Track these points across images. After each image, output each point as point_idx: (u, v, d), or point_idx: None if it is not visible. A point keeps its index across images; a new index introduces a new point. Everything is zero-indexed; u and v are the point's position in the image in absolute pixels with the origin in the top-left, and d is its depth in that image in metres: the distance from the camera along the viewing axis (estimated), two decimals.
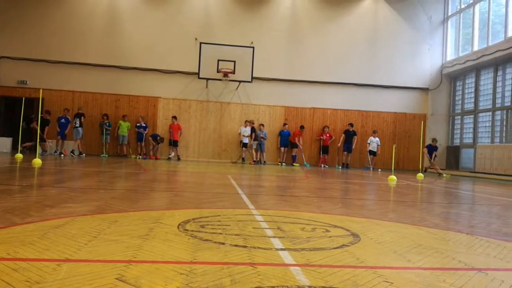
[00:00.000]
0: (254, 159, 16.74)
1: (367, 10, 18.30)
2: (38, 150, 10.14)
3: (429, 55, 18.43)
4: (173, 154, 16.31)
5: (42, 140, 14.21)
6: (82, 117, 15.44)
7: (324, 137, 17.20)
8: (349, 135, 17.15)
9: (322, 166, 16.93)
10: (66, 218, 3.24)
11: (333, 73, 17.82)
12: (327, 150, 17.30)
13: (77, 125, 15.27)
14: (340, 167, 17.02)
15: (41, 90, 10.58)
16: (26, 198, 4.38)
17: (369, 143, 16.89)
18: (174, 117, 16.45)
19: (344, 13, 18.13)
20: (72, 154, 15.18)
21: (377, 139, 16.91)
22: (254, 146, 16.70)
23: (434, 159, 15.46)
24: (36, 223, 3.00)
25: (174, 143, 16.31)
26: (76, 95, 16.53)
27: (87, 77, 16.67)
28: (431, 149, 15.61)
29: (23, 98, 11.51)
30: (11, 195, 4.52)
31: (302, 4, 18.00)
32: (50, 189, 5.29)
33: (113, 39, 16.87)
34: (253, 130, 16.54)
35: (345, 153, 17.14)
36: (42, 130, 13.94)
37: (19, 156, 10.59)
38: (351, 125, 17.26)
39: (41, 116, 13.92)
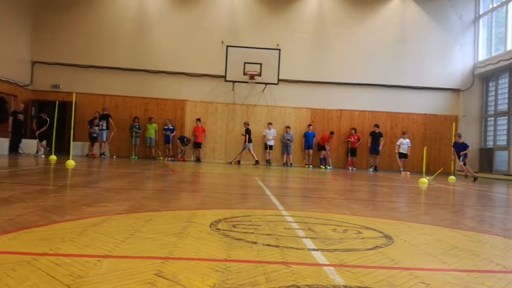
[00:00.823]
0: (238, 159, 16.41)
1: (395, 10, 18.04)
2: (71, 152, 10.44)
3: (460, 55, 17.98)
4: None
5: (39, 140, 14.48)
6: (110, 119, 15.78)
7: (352, 139, 17.00)
8: (375, 136, 16.87)
9: (350, 168, 16.74)
10: (103, 217, 3.34)
11: (360, 74, 17.63)
12: (355, 153, 17.10)
13: (104, 127, 15.61)
14: (372, 169, 16.71)
15: (74, 94, 10.90)
16: (62, 197, 4.53)
17: (399, 145, 16.38)
18: (198, 120, 16.64)
19: (371, 13, 17.93)
20: (104, 156, 15.57)
21: (407, 140, 16.42)
22: (247, 148, 16.32)
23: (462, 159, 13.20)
24: (74, 221, 3.10)
25: (197, 145, 16.51)
26: (107, 98, 16.97)
27: (117, 81, 17.10)
28: (458, 147, 13.25)
29: (57, 102, 11.90)
30: (49, 194, 4.69)
31: (327, 6, 17.90)
32: (85, 189, 5.46)
33: (142, 44, 17.24)
34: (247, 131, 16.27)
35: (373, 155, 16.88)
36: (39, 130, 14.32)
37: (53, 157, 10.95)
38: (377, 126, 16.99)
39: (39, 116, 14.32)
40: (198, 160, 16.47)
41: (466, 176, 13.79)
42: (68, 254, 2.18)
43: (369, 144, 17.07)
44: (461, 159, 12.57)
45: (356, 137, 17.04)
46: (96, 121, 15.55)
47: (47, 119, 14.58)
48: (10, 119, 14.39)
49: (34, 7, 16.78)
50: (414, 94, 17.81)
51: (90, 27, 17.10)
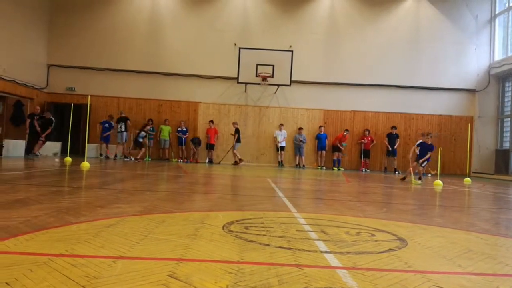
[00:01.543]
0: (236, 160, 16.31)
1: (408, 10, 17.87)
2: (86, 153, 10.58)
3: (475, 55, 17.71)
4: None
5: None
6: (128, 121, 16.02)
7: (365, 140, 16.86)
8: (392, 138, 16.67)
9: (364, 170, 16.62)
10: (117, 218, 3.39)
11: (374, 75, 17.50)
12: (368, 154, 16.96)
13: (122, 129, 15.85)
14: (391, 172, 16.41)
15: (89, 96, 11.06)
16: (77, 199, 4.60)
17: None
18: (211, 121, 16.71)
19: (384, 14, 17.79)
20: (121, 158, 15.79)
21: None
22: (236, 148, 16.29)
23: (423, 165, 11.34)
24: (89, 222, 3.15)
25: (210, 147, 16.57)
26: (121, 100, 17.15)
27: (130, 83, 17.27)
28: (425, 148, 11.38)
29: (72, 104, 12.08)
30: (64, 196, 4.76)
31: (340, 6, 17.82)
32: (99, 190, 5.53)
33: (155, 46, 17.39)
34: (237, 131, 16.25)
35: (390, 157, 16.62)
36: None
37: (68, 159, 11.11)
38: (394, 127, 16.81)
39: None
40: (210, 161, 16.54)
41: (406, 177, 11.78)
42: (83, 255, 2.22)
43: (385, 146, 16.81)
44: (423, 165, 11.14)
45: (369, 139, 16.91)
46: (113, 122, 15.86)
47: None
48: (28, 121, 14.64)
49: (49, 11, 17.07)
50: (429, 94, 17.61)
51: (104, 31, 17.31)
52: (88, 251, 2.30)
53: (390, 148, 16.59)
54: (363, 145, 16.89)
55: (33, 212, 3.44)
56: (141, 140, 15.76)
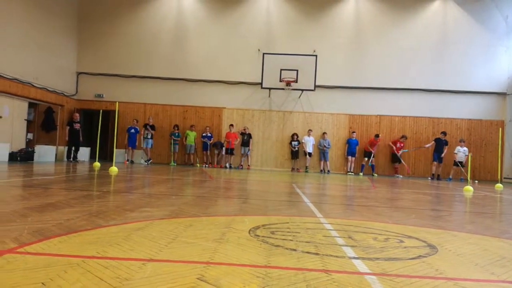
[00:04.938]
0: (242, 164, 16.77)
1: (435, 12, 17.55)
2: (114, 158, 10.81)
3: (506, 57, 17.22)
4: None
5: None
6: (154, 131, 16.45)
7: (400, 145, 16.51)
8: (441, 144, 16.12)
9: (399, 176, 16.30)
10: (145, 222, 3.45)
11: (400, 79, 17.24)
12: (400, 160, 16.59)
13: (149, 136, 16.23)
14: (430, 178, 16.08)
15: (117, 103, 11.32)
16: (107, 203, 4.70)
17: (456, 153, 15.74)
18: (231, 125, 16.80)
19: (410, 16, 17.54)
20: (146, 162, 16.11)
21: (464, 148, 15.74)
22: (244, 152, 16.66)
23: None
24: (119, 226, 3.22)
25: (230, 152, 16.65)
26: (148, 107, 17.48)
27: (156, 89, 17.59)
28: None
29: (101, 111, 12.38)
30: (94, 200, 4.88)
31: (365, 10, 17.67)
32: (128, 194, 5.64)
33: (180, 53, 17.67)
34: (248, 135, 16.60)
35: (435, 163, 16.11)
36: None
37: (97, 164, 11.38)
38: (444, 133, 16.27)
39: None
40: (230, 166, 16.60)
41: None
42: (114, 257, 2.27)
43: (431, 149, 16.42)
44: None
45: (402, 144, 16.54)
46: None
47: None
48: (67, 128, 15.18)
49: (78, 20, 17.62)
50: (457, 98, 17.21)
51: (131, 39, 17.72)
52: (119, 254, 2.35)
53: (439, 154, 16.05)
54: (395, 150, 16.56)
55: (65, 215, 3.54)
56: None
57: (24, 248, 2.38)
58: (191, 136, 16.80)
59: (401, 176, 16.29)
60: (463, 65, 17.25)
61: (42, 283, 1.78)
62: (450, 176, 15.82)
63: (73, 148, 15.18)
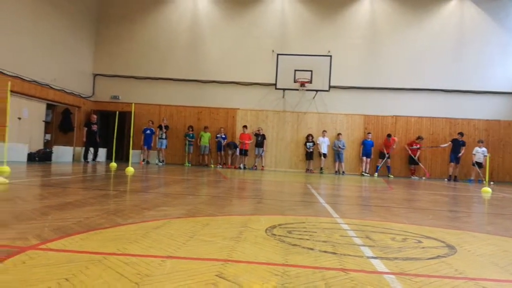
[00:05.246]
0: (256, 165, 16.84)
1: (452, 12, 17.32)
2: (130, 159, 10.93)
3: None
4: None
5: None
6: (167, 131, 16.61)
7: (417, 146, 16.33)
8: (458, 144, 15.91)
9: (418, 177, 16.11)
10: (163, 220, 3.49)
11: (416, 79, 17.05)
12: (417, 162, 16.39)
13: (163, 137, 16.42)
14: (447, 179, 15.87)
15: (133, 104, 11.43)
16: (124, 202, 4.77)
17: (475, 154, 15.52)
18: (245, 127, 16.82)
19: (426, 16, 17.34)
20: (161, 163, 16.27)
21: (483, 149, 15.50)
22: (258, 153, 16.73)
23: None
24: (137, 224, 3.26)
25: (244, 153, 16.68)
26: (162, 108, 17.64)
27: (171, 91, 17.74)
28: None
29: (117, 112, 12.55)
30: (112, 199, 4.95)
31: (380, 9, 17.54)
32: (145, 194, 5.70)
33: (195, 55, 17.79)
34: (262, 136, 16.65)
35: (452, 164, 15.89)
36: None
37: (113, 165, 11.52)
38: (461, 134, 16.05)
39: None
40: (244, 167, 16.63)
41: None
42: (134, 254, 2.31)
43: (448, 149, 16.21)
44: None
45: (418, 146, 16.35)
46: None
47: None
48: (85, 129, 15.44)
49: (95, 23, 17.90)
50: (475, 98, 16.94)
51: (146, 41, 17.90)
52: (138, 251, 2.39)
53: (456, 155, 15.86)
54: (411, 151, 16.38)
55: (85, 214, 3.60)
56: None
57: (46, 244, 2.43)
58: (205, 137, 16.89)
59: (417, 178, 16.11)
60: (480, 64, 16.98)
61: (65, 279, 1.82)
62: (472, 178, 15.51)
63: (91, 149, 15.40)
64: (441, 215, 5.04)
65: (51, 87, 14.77)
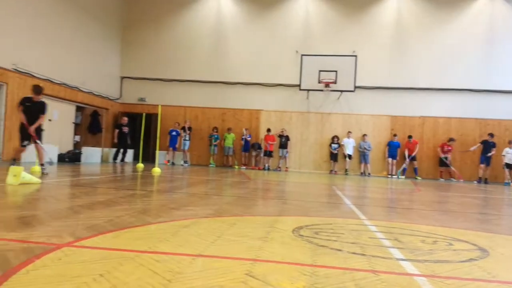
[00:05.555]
0: (279, 166, 16.80)
1: (481, 10, 16.84)
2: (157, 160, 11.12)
3: None
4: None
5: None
6: (190, 130, 16.81)
7: (447, 149, 15.94)
8: (488, 146, 15.37)
9: (450, 179, 15.74)
10: (191, 219, 3.54)
11: (444, 79, 16.66)
12: (447, 164, 15.99)
13: (187, 138, 16.66)
14: (477, 181, 15.37)
15: (159, 106, 11.60)
16: (153, 201, 4.86)
17: (505, 155, 14.97)
18: (269, 130, 16.80)
19: (455, 14, 16.92)
20: (186, 164, 16.48)
21: None
22: (282, 154, 16.73)
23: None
24: (167, 223, 3.32)
25: (269, 154, 16.68)
26: (188, 110, 17.85)
27: (196, 93, 17.92)
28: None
29: (144, 114, 12.76)
30: (140, 199, 5.05)
31: (407, 8, 17.23)
32: (172, 194, 5.79)
33: (219, 57, 17.92)
34: (286, 138, 16.63)
35: (482, 165, 15.35)
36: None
37: (140, 165, 11.73)
38: (491, 135, 15.49)
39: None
40: (268, 168, 16.64)
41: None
42: (165, 252, 2.36)
43: (478, 151, 15.78)
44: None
45: (450, 148, 15.94)
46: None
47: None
48: (116, 131, 15.80)
49: (122, 27, 18.29)
50: (505, 98, 16.40)
51: (171, 44, 18.15)
52: (169, 249, 2.44)
53: (480, 155, 15.42)
54: (441, 153, 15.99)
55: (115, 213, 3.69)
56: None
57: (80, 242, 2.51)
58: (229, 138, 16.99)
59: (448, 180, 15.69)
60: (510, 63, 16.45)
61: (100, 275, 1.88)
62: (507, 180, 14.88)
63: (121, 150, 15.72)
64: (471, 218, 4.92)
65: (80, 90, 15.16)
